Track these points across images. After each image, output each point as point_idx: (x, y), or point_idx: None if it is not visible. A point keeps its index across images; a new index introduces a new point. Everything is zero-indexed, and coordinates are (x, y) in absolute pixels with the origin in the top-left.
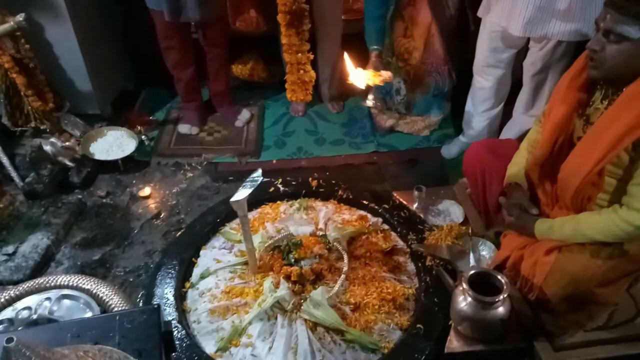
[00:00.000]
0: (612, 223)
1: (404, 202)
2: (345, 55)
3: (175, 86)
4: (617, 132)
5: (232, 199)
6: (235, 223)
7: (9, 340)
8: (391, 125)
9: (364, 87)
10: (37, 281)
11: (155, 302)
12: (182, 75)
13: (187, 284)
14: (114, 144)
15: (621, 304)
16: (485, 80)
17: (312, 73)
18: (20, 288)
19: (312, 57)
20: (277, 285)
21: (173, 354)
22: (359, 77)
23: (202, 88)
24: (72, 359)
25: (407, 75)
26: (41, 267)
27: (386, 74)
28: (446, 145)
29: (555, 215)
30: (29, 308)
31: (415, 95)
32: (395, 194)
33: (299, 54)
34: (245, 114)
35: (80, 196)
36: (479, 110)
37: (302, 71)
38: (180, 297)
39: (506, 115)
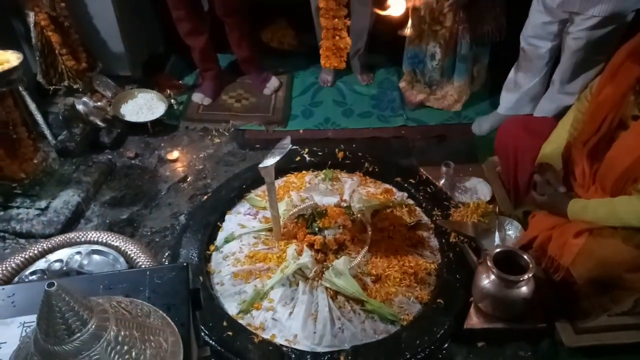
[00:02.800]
0: None
1: (431, 178)
2: None
3: (192, 54)
4: None
5: (261, 165)
6: (260, 190)
7: (50, 284)
8: (421, 100)
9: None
10: (68, 236)
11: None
12: (195, 44)
13: (212, 247)
14: (144, 106)
15: None
16: (532, 50)
17: (348, 40)
18: (52, 241)
19: (348, 23)
20: (300, 253)
21: (199, 311)
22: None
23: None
24: (107, 307)
25: (443, 38)
26: (71, 223)
27: None
28: (478, 120)
29: (590, 197)
30: (60, 260)
31: (449, 60)
32: (422, 169)
33: (336, 19)
34: (274, 82)
35: (110, 156)
36: (521, 81)
37: (337, 37)
38: (205, 259)
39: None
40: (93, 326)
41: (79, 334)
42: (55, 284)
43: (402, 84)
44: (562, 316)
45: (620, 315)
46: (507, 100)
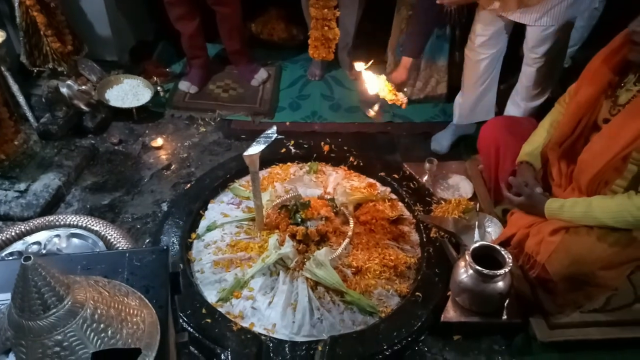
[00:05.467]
0: (625, 209)
1: (414, 174)
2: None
3: (181, 41)
4: None
5: (245, 153)
6: (244, 180)
7: (27, 258)
8: (402, 81)
9: (371, 94)
10: (47, 218)
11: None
12: (185, 30)
13: (193, 235)
14: (129, 92)
15: (620, 289)
16: (476, 57)
17: (337, 30)
18: (31, 224)
19: (338, 14)
20: (282, 243)
21: (178, 295)
22: (373, 83)
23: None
24: (84, 285)
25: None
26: (51, 206)
27: (402, 98)
28: (435, 138)
29: (567, 197)
30: (38, 243)
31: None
32: (405, 165)
33: (325, 10)
34: (262, 74)
35: (93, 141)
36: (471, 88)
37: (326, 27)
38: (186, 246)
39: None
40: (69, 302)
41: (54, 310)
42: (32, 257)
43: (387, 70)
44: (536, 312)
45: (592, 312)
46: (461, 108)
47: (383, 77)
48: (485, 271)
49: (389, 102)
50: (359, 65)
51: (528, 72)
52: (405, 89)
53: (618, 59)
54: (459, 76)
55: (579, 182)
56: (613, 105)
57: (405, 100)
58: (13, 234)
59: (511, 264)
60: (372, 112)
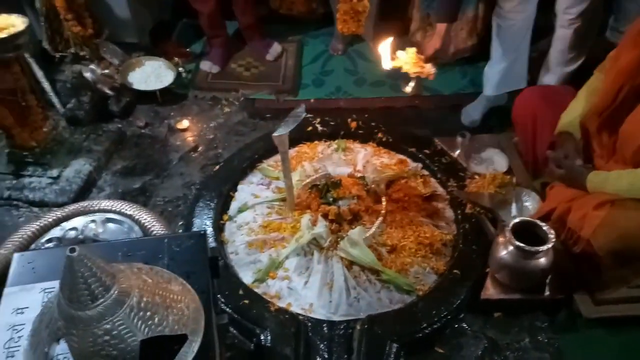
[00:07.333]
0: None
1: (446, 149)
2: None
3: (200, 20)
4: None
5: (275, 134)
6: (273, 160)
7: (72, 250)
8: (437, 48)
9: (389, 68)
10: (82, 204)
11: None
12: (203, 9)
13: (225, 217)
14: (152, 74)
15: None
16: (508, 24)
17: (366, 2)
18: (66, 210)
19: None
20: (314, 223)
21: (217, 279)
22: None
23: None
24: (128, 274)
25: None
26: (84, 191)
27: (430, 69)
28: (465, 110)
29: (611, 169)
30: (75, 229)
31: None
32: (436, 140)
33: None
34: (276, 48)
35: (120, 125)
36: (502, 56)
37: (355, 0)
38: (219, 228)
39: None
40: (116, 292)
41: (102, 300)
42: (77, 249)
43: (416, 36)
44: (580, 287)
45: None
46: (491, 78)
47: (413, 49)
48: (527, 248)
49: (413, 75)
50: (384, 45)
51: (562, 34)
52: (437, 58)
53: None
54: (486, 31)
55: (623, 154)
56: None
57: (433, 71)
58: (50, 220)
59: (554, 240)
60: (408, 89)
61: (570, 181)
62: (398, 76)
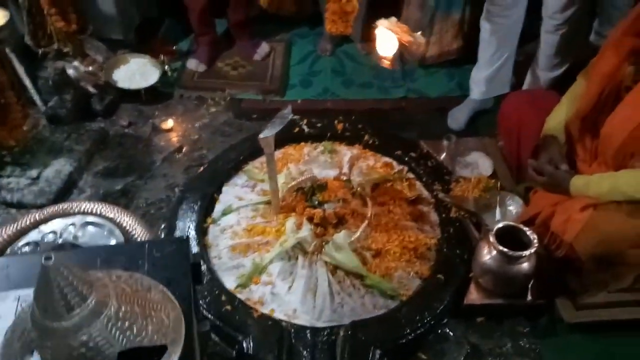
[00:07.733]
0: None
1: (431, 152)
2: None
3: (189, 17)
4: None
5: (261, 135)
6: (258, 162)
7: (48, 258)
8: (422, 52)
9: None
10: (61, 206)
11: (177, 235)
12: (194, 6)
13: (209, 220)
14: (137, 72)
15: None
16: (496, 25)
17: (355, 2)
18: (45, 212)
19: None
20: (299, 227)
21: (199, 285)
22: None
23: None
24: (107, 282)
25: None
26: (64, 193)
27: (419, 38)
28: (451, 113)
29: (594, 172)
30: (54, 232)
31: None
32: (422, 143)
33: None
34: (264, 48)
35: (102, 124)
36: (489, 60)
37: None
38: (202, 232)
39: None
40: (93, 301)
41: (78, 310)
42: (53, 257)
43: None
44: (562, 292)
45: (620, 291)
46: (478, 82)
47: (393, 18)
48: (510, 252)
49: (405, 43)
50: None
51: (548, 39)
52: (419, 32)
53: None
54: (472, 34)
55: (605, 156)
56: (637, 72)
57: (422, 41)
58: (28, 222)
59: (537, 245)
60: (385, 62)
61: (553, 187)
62: (386, 77)
